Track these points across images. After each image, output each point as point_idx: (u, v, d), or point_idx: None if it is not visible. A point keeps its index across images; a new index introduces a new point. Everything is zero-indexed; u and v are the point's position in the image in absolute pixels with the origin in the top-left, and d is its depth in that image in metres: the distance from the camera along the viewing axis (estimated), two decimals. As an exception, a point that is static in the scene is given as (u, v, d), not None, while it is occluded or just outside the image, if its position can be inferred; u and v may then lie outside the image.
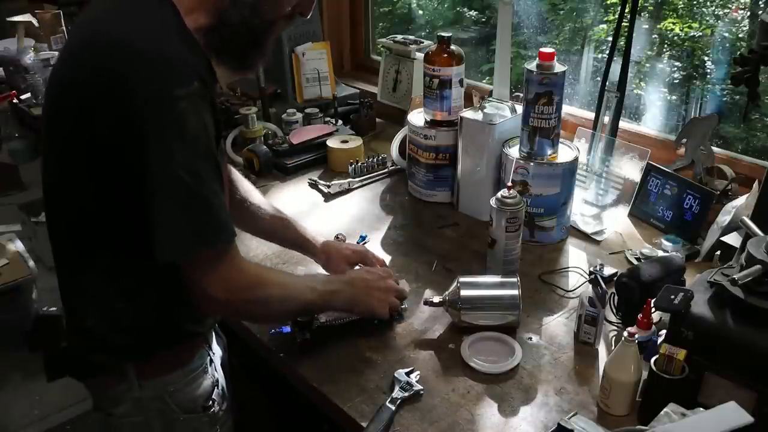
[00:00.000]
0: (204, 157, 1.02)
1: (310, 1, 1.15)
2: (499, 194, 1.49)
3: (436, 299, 1.39)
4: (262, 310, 1.20)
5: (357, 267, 1.48)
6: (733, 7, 2.13)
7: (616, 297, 1.36)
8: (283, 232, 1.51)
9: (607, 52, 1.86)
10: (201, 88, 1.00)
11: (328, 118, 2.26)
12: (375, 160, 2.07)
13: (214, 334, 1.36)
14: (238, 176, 1.49)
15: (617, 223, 1.77)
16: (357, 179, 2.02)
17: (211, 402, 1.25)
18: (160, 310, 1.15)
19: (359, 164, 2.04)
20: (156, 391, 1.19)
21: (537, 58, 1.56)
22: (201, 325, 1.24)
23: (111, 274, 1.11)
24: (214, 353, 1.30)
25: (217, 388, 1.28)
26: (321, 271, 1.51)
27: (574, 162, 1.65)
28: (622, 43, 1.78)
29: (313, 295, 1.25)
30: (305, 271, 1.57)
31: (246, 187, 1.48)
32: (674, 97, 2.20)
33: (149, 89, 0.96)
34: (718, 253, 1.55)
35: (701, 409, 0.97)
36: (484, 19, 2.93)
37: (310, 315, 1.33)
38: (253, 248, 1.66)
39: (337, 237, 1.70)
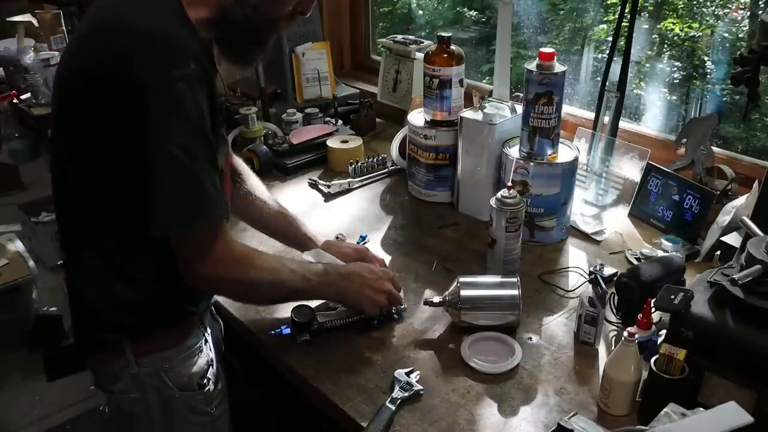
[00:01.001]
0: (197, 136, 1.06)
1: (310, 0, 1.19)
2: (499, 194, 1.49)
3: (436, 299, 1.39)
4: (248, 292, 1.25)
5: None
6: (733, 7, 2.13)
7: (616, 297, 1.36)
8: (285, 229, 1.53)
9: (607, 52, 1.86)
10: (197, 69, 1.04)
11: (328, 118, 2.26)
12: (375, 160, 2.07)
13: (210, 315, 1.39)
14: (246, 170, 1.52)
15: (617, 223, 1.77)
16: (357, 179, 2.02)
17: (205, 381, 1.28)
18: (156, 290, 1.19)
19: (359, 164, 2.04)
20: (152, 368, 1.22)
21: (537, 58, 1.56)
22: (196, 306, 1.27)
23: (111, 255, 1.16)
24: (209, 333, 1.33)
25: (212, 367, 1.31)
26: None
27: (574, 162, 1.65)
28: (622, 43, 1.78)
29: (304, 284, 1.28)
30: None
31: (253, 182, 1.51)
32: (674, 97, 2.20)
33: (151, 69, 1.01)
34: (718, 253, 1.55)
35: (701, 409, 0.97)
36: (484, 19, 2.93)
37: (305, 311, 1.34)
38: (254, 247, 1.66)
39: (337, 237, 1.70)
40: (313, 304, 1.38)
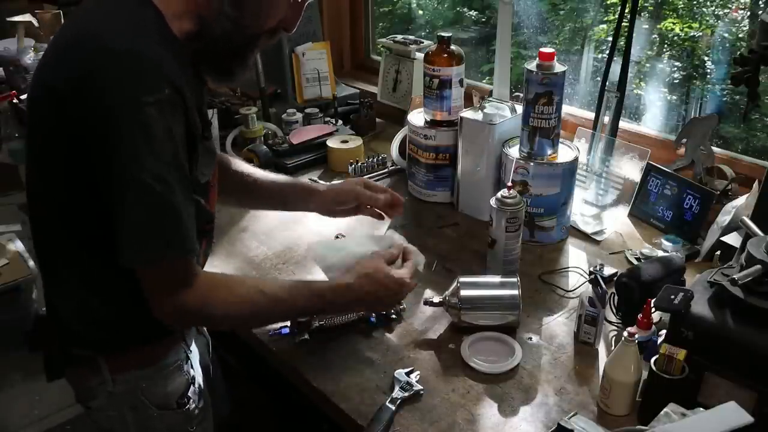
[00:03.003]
0: (172, 166, 1.01)
1: (295, 17, 1.13)
2: (499, 194, 1.49)
3: (436, 299, 1.39)
4: (218, 326, 1.22)
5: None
6: (733, 7, 2.13)
7: (616, 297, 1.36)
8: (282, 189, 1.49)
9: (607, 52, 1.86)
10: (172, 95, 0.99)
11: (328, 118, 2.26)
12: (375, 160, 2.06)
13: (195, 331, 1.36)
14: (231, 159, 1.49)
15: (617, 223, 1.77)
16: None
17: (185, 399, 1.25)
18: (131, 306, 1.14)
19: (359, 164, 2.04)
20: (128, 385, 1.19)
21: (537, 58, 1.56)
22: None
23: (84, 271, 1.12)
24: (191, 351, 1.30)
25: (193, 385, 1.27)
26: None
27: (574, 162, 1.65)
28: (622, 43, 1.78)
29: (296, 310, 1.23)
30: (305, 270, 1.57)
31: (239, 163, 1.48)
32: (674, 97, 2.20)
33: (118, 91, 0.96)
34: (718, 253, 1.55)
35: (701, 409, 0.97)
36: (484, 19, 2.93)
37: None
38: (254, 248, 1.66)
39: (337, 237, 1.70)
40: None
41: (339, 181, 1.55)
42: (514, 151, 1.67)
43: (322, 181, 1.54)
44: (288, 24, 1.13)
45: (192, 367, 1.28)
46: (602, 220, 1.78)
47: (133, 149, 0.97)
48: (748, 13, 2.08)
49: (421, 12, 3.22)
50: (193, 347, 1.32)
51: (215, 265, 1.53)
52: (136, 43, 0.98)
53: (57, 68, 1.02)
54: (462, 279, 1.38)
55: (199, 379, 1.31)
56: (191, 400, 1.26)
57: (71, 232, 1.10)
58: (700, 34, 2.21)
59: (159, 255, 1.03)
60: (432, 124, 1.84)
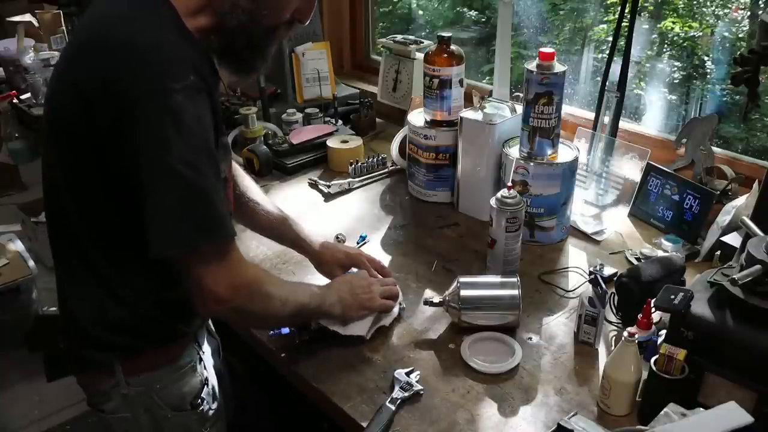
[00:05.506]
0: (202, 151, 1.01)
1: (309, 8, 1.15)
2: (499, 194, 1.49)
3: (436, 299, 1.39)
4: (263, 308, 1.15)
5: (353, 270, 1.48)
6: (733, 7, 2.13)
7: (616, 297, 1.36)
8: (280, 229, 1.49)
9: (607, 52, 1.86)
10: (197, 81, 1.01)
11: (328, 118, 2.26)
12: (375, 160, 2.07)
13: (206, 333, 1.36)
14: (239, 171, 1.49)
15: (617, 223, 1.77)
16: (357, 179, 2.02)
17: (200, 401, 1.26)
18: (146, 308, 1.15)
19: (359, 164, 2.04)
20: (143, 387, 1.19)
21: (537, 58, 1.56)
22: (189, 325, 1.24)
23: (100, 272, 1.12)
24: (204, 352, 1.30)
25: (207, 386, 1.28)
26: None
27: (574, 162, 1.65)
28: (622, 43, 1.78)
29: (308, 298, 1.25)
30: (305, 270, 1.57)
31: (246, 183, 1.48)
32: (674, 97, 2.20)
33: (143, 82, 0.97)
34: (718, 253, 1.55)
35: (701, 409, 0.97)
36: (484, 19, 2.93)
37: (305, 321, 1.33)
38: (253, 248, 1.66)
39: (337, 237, 1.70)
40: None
41: (333, 248, 1.50)
42: (514, 151, 1.67)
43: (317, 238, 1.50)
44: (302, 15, 1.14)
45: (205, 368, 1.29)
46: (602, 220, 1.78)
47: (162, 136, 0.97)
48: (748, 13, 2.08)
49: (421, 12, 3.22)
50: (206, 347, 1.32)
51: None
52: (157, 37, 1.00)
53: (81, 66, 1.03)
54: (462, 279, 1.38)
55: (213, 380, 1.31)
56: (205, 401, 1.27)
57: (90, 231, 1.10)
58: (700, 34, 2.21)
59: (194, 240, 1.02)
60: (432, 124, 1.84)
